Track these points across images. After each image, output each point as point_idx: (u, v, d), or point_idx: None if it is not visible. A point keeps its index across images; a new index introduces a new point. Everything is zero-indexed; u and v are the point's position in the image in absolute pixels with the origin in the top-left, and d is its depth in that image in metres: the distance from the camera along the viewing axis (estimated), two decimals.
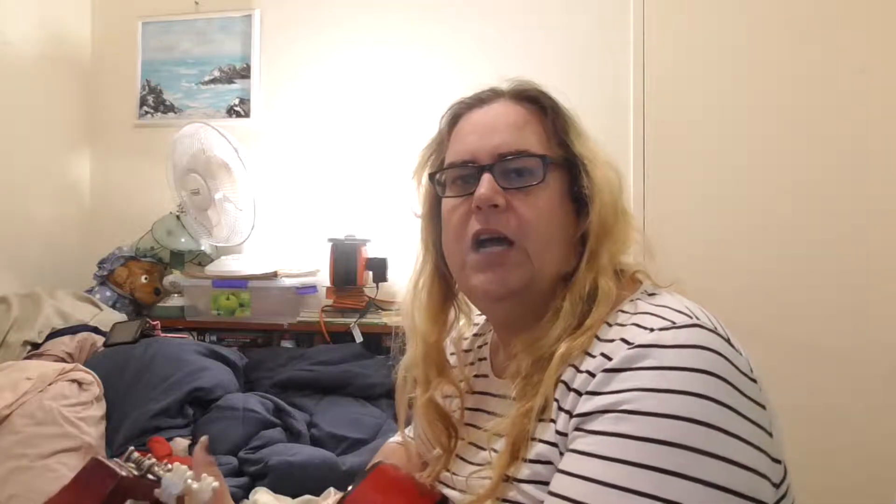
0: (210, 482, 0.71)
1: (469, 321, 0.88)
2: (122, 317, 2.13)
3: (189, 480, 0.71)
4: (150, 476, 0.70)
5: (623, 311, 0.66)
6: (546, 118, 0.76)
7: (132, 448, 0.73)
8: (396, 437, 0.97)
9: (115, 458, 0.72)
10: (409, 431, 0.94)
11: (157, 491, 0.70)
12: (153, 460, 0.72)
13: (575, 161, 0.74)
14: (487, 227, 0.71)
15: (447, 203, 0.77)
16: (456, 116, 0.80)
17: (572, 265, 0.72)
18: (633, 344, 0.60)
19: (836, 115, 1.96)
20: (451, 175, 0.77)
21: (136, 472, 0.70)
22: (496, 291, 0.72)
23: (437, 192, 0.79)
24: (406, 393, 0.84)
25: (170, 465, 0.72)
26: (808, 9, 1.99)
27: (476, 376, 0.85)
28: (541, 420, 0.66)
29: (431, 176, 0.80)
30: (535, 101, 0.77)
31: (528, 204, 0.71)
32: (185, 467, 0.72)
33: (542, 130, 0.75)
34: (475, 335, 0.91)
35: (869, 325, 1.90)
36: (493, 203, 0.71)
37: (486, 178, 0.71)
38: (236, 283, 2.13)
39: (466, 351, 0.90)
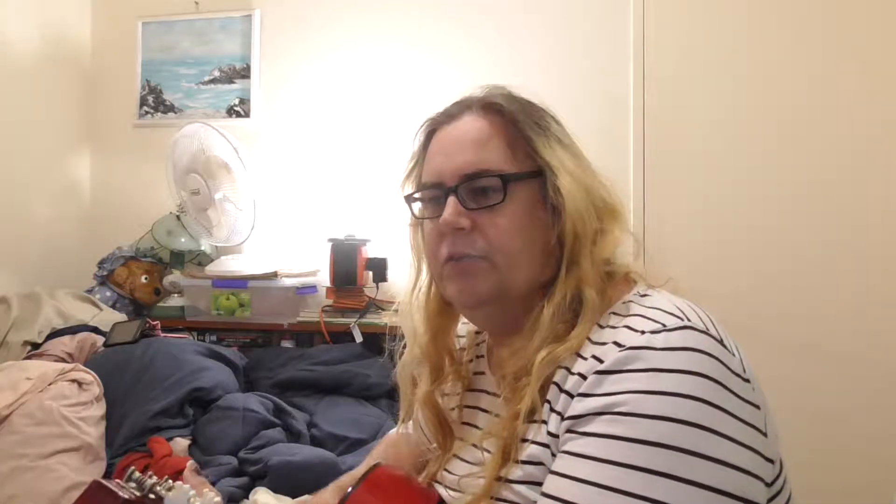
0: (212, 498, 0.71)
1: None
2: (122, 317, 2.13)
3: (192, 499, 0.71)
4: (151, 496, 0.70)
5: (615, 314, 0.67)
6: (511, 129, 0.75)
7: (133, 468, 0.73)
8: (398, 428, 0.98)
9: (116, 480, 0.72)
10: (411, 425, 0.95)
11: None
12: (154, 479, 0.71)
13: (543, 170, 0.74)
14: (455, 251, 0.73)
15: (425, 222, 0.79)
16: (430, 133, 0.81)
17: (551, 272, 0.72)
18: (624, 346, 0.61)
19: (836, 114, 1.96)
20: (425, 195, 0.79)
21: (137, 493, 0.70)
22: (468, 300, 0.75)
23: (415, 213, 0.81)
24: (409, 392, 0.85)
25: (171, 483, 0.72)
26: (808, 9, 1.99)
27: (474, 373, 0.86)
28: (532, 422, 0.66)
29: (406, 198, 0.82)
30: (501, 112, 0.76)
31: (493, 223, 0.72)
32: (187, 486, 0.72)
33: (505, 144, 0.74)
34: (477, 332, 0.92)
35: (869, 325, 1.90)
36: (457, 226, 0.72)
37: (451, 202, 0.73)
38: (236, 283, 2.13)
39: (472, 346, 0.91)
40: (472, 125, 0.76)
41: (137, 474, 0.71)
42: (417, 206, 0.81)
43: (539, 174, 0.73)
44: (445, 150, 0.77)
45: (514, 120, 0.75)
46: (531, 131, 0.74)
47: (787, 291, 1.96)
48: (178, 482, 0.72)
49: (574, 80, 2.12)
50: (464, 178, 0.73)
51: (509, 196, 0.72)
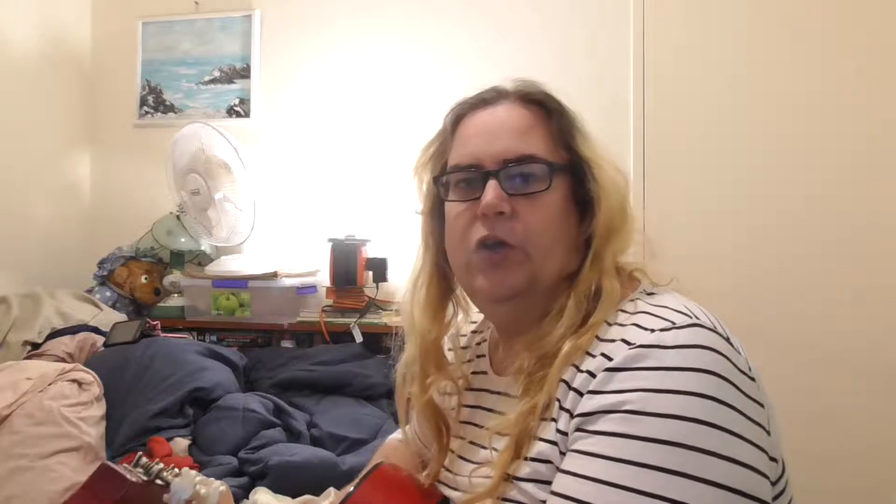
0: (217, 486, 0.72)
1: (467, 317, 0.88)
2: (122, 317, 2.13)
3: (198, 486, 0.71)
4: (158, 481, 0.71)
5: (623, 311, 0.66)
6: (551, 121, 0.75)
7: (141, 453, 0.74)
8: (397, 435, 0.97)
9: (123, 464, 0.72)
10: (408, 429, 0.94)
11: (165, 496, 0.71)
12: (161, 465, 0.72)
13: (580, 164, 0.74)
14: (493, 234, 0.72)
15: (451, 206, 0.77)
16: (459, 117, 0.79)
17: (575, 266, 0.73)
18: (633, 344, 0.60)
19: (835, 115, 1.96)
20: (455, 178, 0.77)
21: (144, 478, 0.71)
22: (498, 292, 0.73)
23: (441, 194, 0.79)
24: (406, 390, 0.84)
25: (178, 470, 0.73)
26: (808, 9, 1.99)
27: (474, 373, 0.85)
28: (542, 419, 0.66)
29: (436, 179, 0.80)
30: (541, 104, 0.76)
31: (533, 210, 0.71)
32: (193, 472, 0.73)
33: (547, 134, 0.75)
34: (473, 332, 0.91)
35: (869, 325, 1.90)
36: (499, 210, 0.71)
37: (492, 185, 0.71)
38: (236, 283, 2.13)
39: (464, 348, 0.90)
40: (512, 112, 0.75)
41: (144, 460, 0.72)
42: (442, 190, 0.79)
43: (573, 167, 0.74)
44: (483, 133, 0.75)
45: (559, 112, 0.75)
46: (571, 126, 0.75)
47: (787, 291, 1.96)
48: (185, 468, 0.73)
49: (574, 80, 2.12)
50: (506, 163, 0.72)
51: (553, 185, 0.72)
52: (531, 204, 0.71)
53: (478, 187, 0.73)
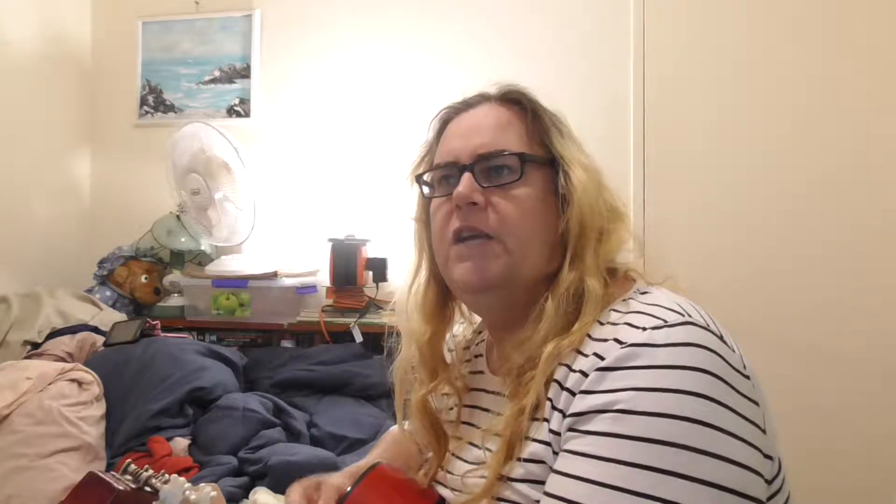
0: (208, 492, 0.71)
1: (470, 324, 0.88)
2: (122, 316, 2.13)
3: (187, 492, 0.71)
4: (147, 488, 0.71)
5: (615, 311, 0.66)
6: (528, 119, 0.77)
7: (129, 461, 0.73)
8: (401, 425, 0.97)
9: (111, 472, 0.72)
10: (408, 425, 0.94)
11: (154, 503, 0.70)
12: (150, 472, 0.72)
13: (556, 162, 0.75)
14: (467, 224, 0.73)
15: (433, 203, 0.79)
16: (444, 121, 0.82)
17: (555, 265, 0.73)
18: (625, 343, 0.60)
19: (835, 115, 1.96)
20: (436, 176, 0.79)
21: (133, 485, 0.70)
22: (476, 282, 0.73)
23: (424, 193, 0.81)
24: (403, 394, 0.84)
25: (167, 476, 0.72)
26: (808, 10, 1.99)
27: (472, 373, 0.85)
28: (534, 419, 0.66)
29: (418, 178, 0.82)
30: (519, 103, 0.79)
31: (507, 201, 0.73)
32: (182, 479, 0.72)
33: (523, 131, 0.77)
34: (475, 332, 0.92)
35: (869, 325, 1.90)
36: (471, 201, 0.72)
37: (466, 177, 0.73)
38: (236, 282, 2.13)
39: (465, 348, 0.90)
40: (490, 111, 0.79)
41: (133, 467, 0.72)
42: (426, 189, 0.81)
43: (553, 164, 0.75)
44: (462, 132, 0.78)
45: (533, 111, 0.77)
46: (548, 123, 0.77)
47: (787, 291, 1.96)
48: (174, 475, 0.73)
49: (574, 80, 2.12)
50: (479, 157, 0.74)
51: (524, 177, 0.73)
52: (505, 195, 0.73)
53: (455, 182, 0.75)
